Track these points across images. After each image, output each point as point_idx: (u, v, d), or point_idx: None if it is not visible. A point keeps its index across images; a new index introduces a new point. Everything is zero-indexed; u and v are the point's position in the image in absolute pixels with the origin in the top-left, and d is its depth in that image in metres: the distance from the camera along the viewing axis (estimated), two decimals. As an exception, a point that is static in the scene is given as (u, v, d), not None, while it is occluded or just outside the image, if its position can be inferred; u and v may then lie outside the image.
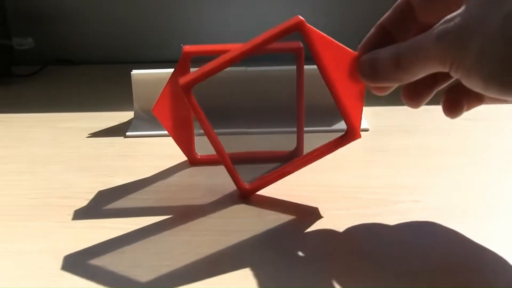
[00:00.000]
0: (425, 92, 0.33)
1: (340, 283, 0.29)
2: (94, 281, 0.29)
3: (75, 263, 0.31)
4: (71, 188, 0.40)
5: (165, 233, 0.34)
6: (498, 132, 0.50)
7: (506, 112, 0.56)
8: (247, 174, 0.38)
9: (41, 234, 0.34)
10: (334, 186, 0.40)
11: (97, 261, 0.31)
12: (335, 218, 0.35)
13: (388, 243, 0.32)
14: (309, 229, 0.34)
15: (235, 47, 0.34)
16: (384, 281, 0.29)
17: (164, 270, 0.30)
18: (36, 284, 0.29)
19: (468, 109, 0.33)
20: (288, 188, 0.38)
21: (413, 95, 0.33)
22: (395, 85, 0.33)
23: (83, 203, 0.38)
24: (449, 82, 0.33)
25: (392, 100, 0.60)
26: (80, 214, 0.36)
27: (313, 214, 0.36)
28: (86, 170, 0.43)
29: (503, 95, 0.27)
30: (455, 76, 0.28)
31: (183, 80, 0.34)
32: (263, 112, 0.49)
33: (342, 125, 0.52)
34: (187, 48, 0.41)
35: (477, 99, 0.33)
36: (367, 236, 0.33)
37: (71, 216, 0.36)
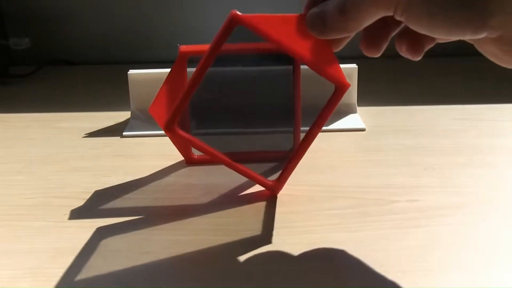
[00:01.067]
0: (381, 39, 0.33)
1: (338, 283, 0.29)
2: (91, 281, 0.29)
3: (72, 262, 0.31)
4: (67, 188, 0.40)
5: (162, 232, 0.34)
6: (495, 132, 0.50)
7: (504, 112, 0.56)
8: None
9: (38, 234, 0.34)
10: (331, 185, 0.40)
11: (93, 261, 0.31)
12: (333, 218, 0.35)
13: (387, 244, 0.32)
14: (306, 229, 0.34)
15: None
16: (382, 281, 0.29)
17: (160, 269, 0.30)
18: (33, 284, 0.29)
19: (425, 48, 0.32)
20: (285, 187, 0.38)
21: (370, 44, 0.33)
22: (347, 38, 0.32)
23: (80, 203, 0.38)
24: (401, 26, 0.32)
25: (389, 100, 0.61)
26: (77, 213, 0.36)
27: (310, 213, 0.36)
28: (83, 170, 0.43)
29: (449, 33, 0.26)
30: (400, 19, 0.28)
31: (164, 123, 0.34)
32: (260, 112, 0.49)
33: (339, 124, 0.52)
34: (183, 48, 0.41)
35: (430, 38, 0.32)
36: (364, 236, 0.33)
37: (67, 216, 0.36)
